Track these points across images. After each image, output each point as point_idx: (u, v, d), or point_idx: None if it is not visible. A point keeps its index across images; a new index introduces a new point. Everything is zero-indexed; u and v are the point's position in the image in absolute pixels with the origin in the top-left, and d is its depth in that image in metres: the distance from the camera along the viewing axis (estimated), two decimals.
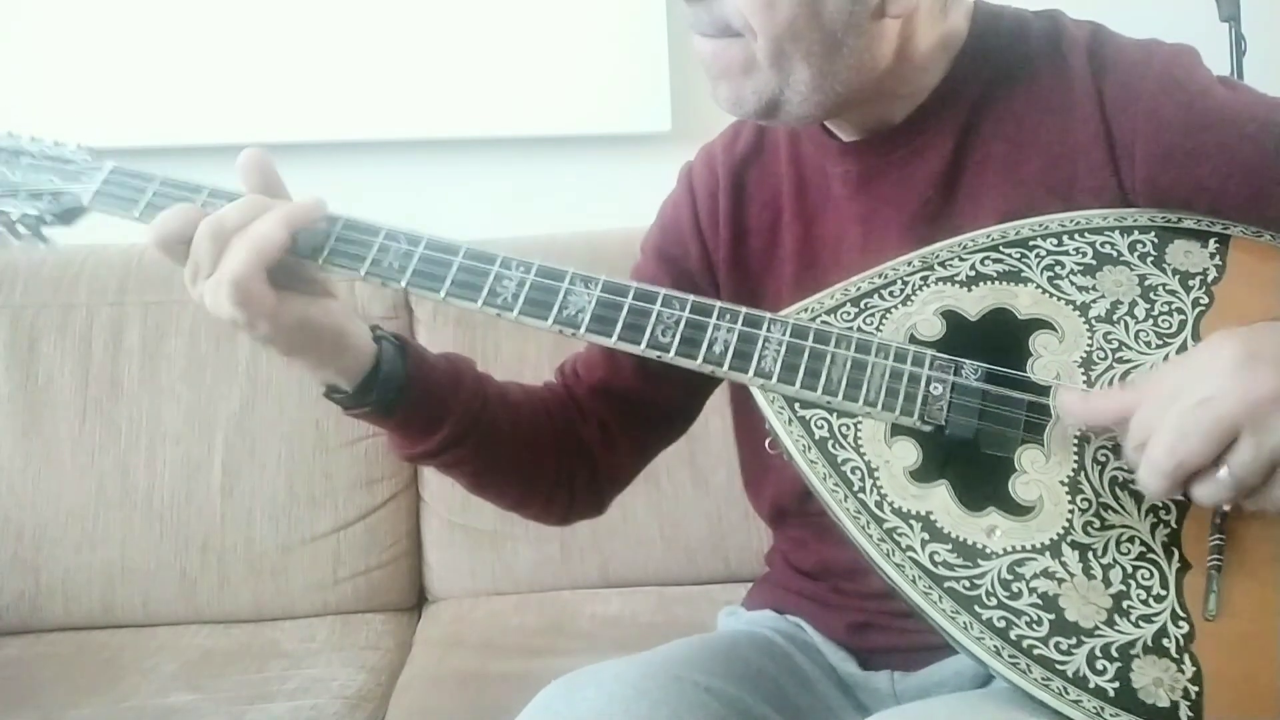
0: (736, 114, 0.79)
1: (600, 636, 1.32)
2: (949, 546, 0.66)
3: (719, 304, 0.74)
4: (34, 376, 1.43)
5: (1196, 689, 0.60)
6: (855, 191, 0.83)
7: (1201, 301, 0.71)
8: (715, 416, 1.49)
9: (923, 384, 0.70)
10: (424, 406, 0.80)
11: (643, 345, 0.73)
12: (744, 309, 0.74)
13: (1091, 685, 0.61)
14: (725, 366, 0.72)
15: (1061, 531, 0.65)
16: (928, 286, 0.74)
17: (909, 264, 0.75)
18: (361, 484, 1.46)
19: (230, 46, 1.66)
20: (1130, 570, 0.64)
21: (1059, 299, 0.72)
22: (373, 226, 0.75)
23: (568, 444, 0.90)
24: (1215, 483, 0.59)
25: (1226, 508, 0.64)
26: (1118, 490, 0.66)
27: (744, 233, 0.89)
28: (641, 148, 1.72)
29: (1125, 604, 0.63)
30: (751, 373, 0.72)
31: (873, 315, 0.74)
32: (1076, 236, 0.74)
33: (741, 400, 0.92)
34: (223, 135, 1.55)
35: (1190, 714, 0.60)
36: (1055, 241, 0.74)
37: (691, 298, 0.74)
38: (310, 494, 1.44)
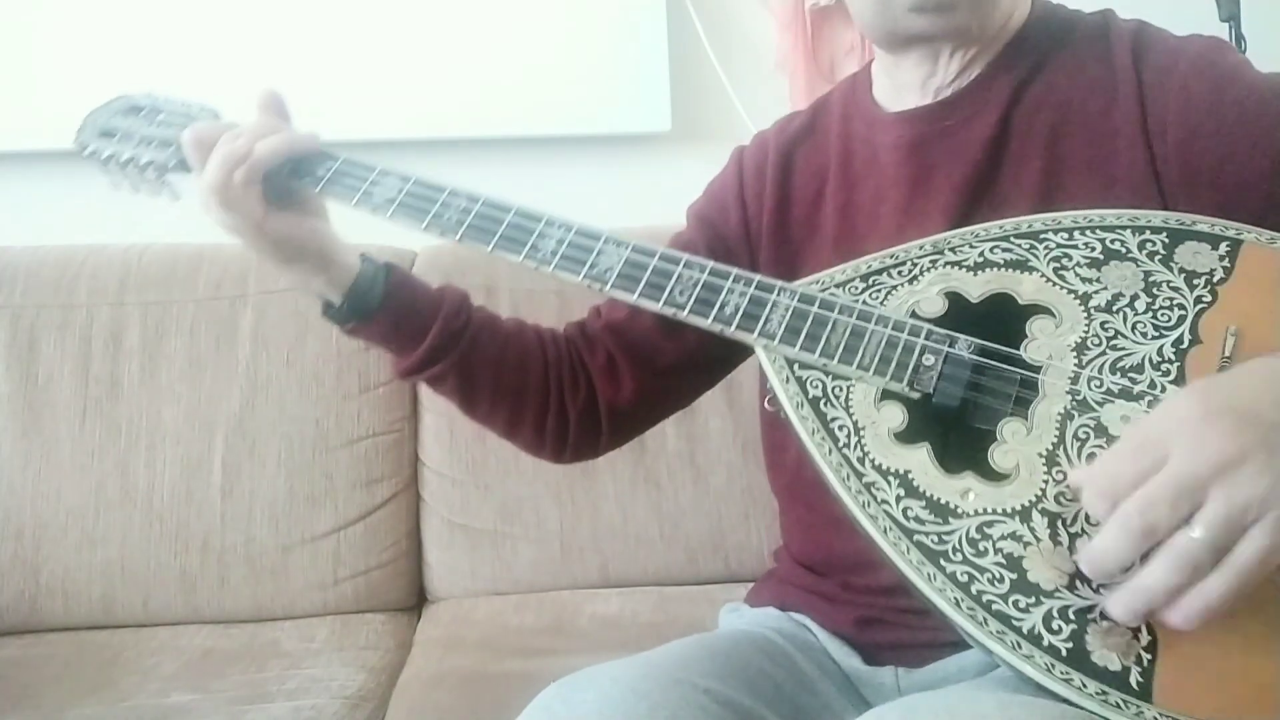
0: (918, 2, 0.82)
1: (600, 636, 1.31)
2: (923, 503, 0.68)
3: (735, 270, 0.79)
4: (34, 376, 1.43)
5: (1150, 657, 0.61)
6: (906, 157, 0.87)
7: (1204, 299, 0.71)
8: (715, 418, 1.51)
9: (916, 353, 0.73)
10: (406, 320, 0.90)
11: (660, 303, 0.79)
12: (758, 276, 0.79)
13: (1045, 643, 0.62)
14: (733, 326, 0.77)
15: (1034, 499, 0.67)
16: (935, 269, 0.77)
17: (920, 247, 0.79)
18: (361, 484, 1.46)
19: (231, 46, 1.66)
20: None
21: (1061, 288, 0.74)
22: (437, 185, 0.87)
23: (563, 372, 0.97)
24: (1191, 542, 0.57)
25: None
26: None
27: (788, 203, 0.94)
28: (641, 148, 1.72)
29: None
30: (757, 333, 0.77)
31: (879, 291, 0.78)
32: (1088, 232, 0.76)
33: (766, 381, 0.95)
34: None
35: (1140, 680, 0.61)
36: (1066, 235, 0.76)
37: (711, 263, 0.80)
38: (310, 494, 1.44)
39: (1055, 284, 0.74)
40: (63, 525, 1.40)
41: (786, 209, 0.94)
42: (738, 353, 0.98)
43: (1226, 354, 0.68)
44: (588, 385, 0.97)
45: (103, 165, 0.93)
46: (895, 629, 0.85)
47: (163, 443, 1.43)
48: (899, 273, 0.78)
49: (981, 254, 0.77)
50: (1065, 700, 0.61)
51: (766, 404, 0.78)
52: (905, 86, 0.89)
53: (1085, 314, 0.72)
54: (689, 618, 1.32)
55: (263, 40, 1.67)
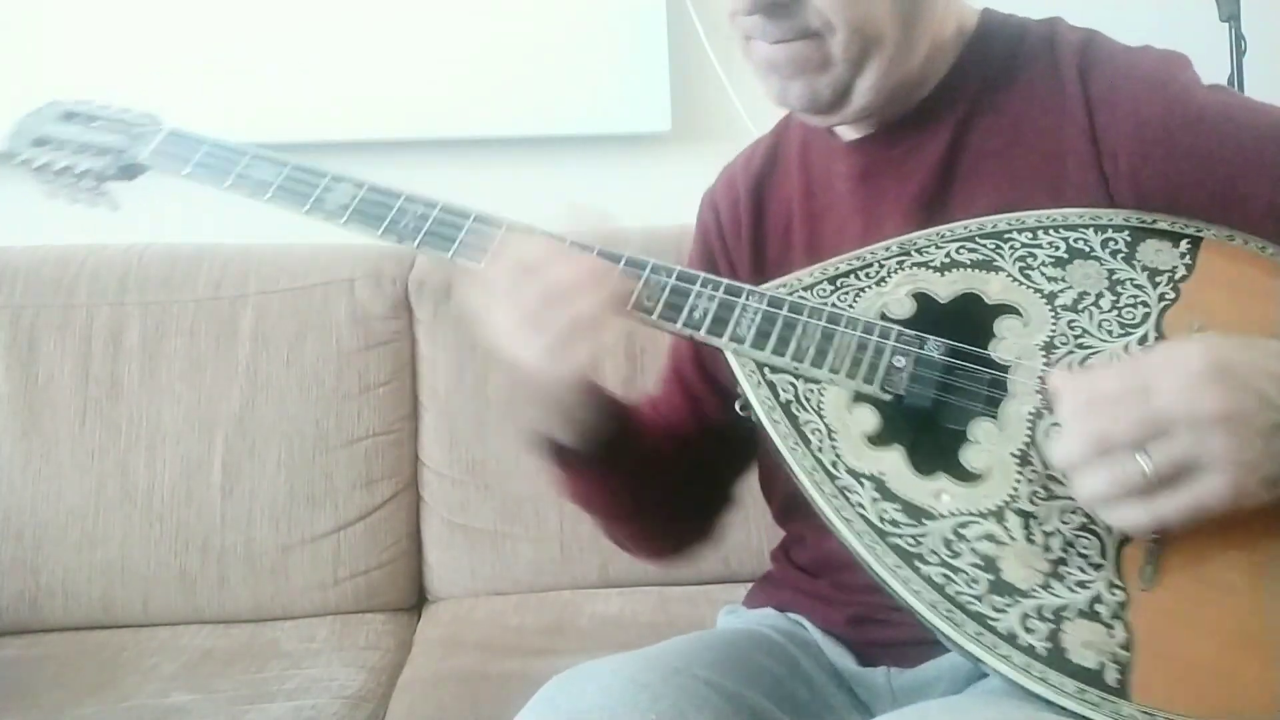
0: (808, 110, 0.82)
1: (600, 636, 1.32)
2: (898, 506, 0.69)
3: (703, 275, 0.78)
4: (34, 376, 1.43)
5: (1127, 654, 0.62)
6: (858, 185, 0.86)
7: (1167, 296, 0.73)
8: None
9: (887, 355, 0.73)
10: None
11: (628, 307, 0.77)
12: (725, 280, 0.78)
13: (1022, 643, 0.63)
14: (703, 330, 0.76)
15: (1007, 499, 0.68)
16: (903, 270, 0.77)
17: (887, 249, 0.79)
18: (361, 484, 1.46)
19: (232, 46, 1.66)
20: (1071, 539, 0.66)
21: (1028, 287, 0.75)
22: (392, 190, 0.83)
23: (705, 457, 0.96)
24: (1135, 467, 0.60)
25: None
26: None
27: (763, 241, 0.93)
28: (641, 148, 1.72)
29: (1062, 570, 0.65)
30: (727, 337, 0.76)
31: (847, 293, 0.77)
32: (1051, 231, 0.77)
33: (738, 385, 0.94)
34: (225, 134, 1.56)
35: (1117, 677, 0.61)
36: (1030, 235, 0.77)
37: (678, 268, 0.78)
38: (310, 494, 1.44)
39: (1021, 283, 0.75)
40: (63, 525, 1.40)
41: (762, 248, 0.93)
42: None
43: None
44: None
45: (36, 174, 0.90)
46: (887, 626, 0.85)
47: (163, 443, 1.43)
48: (866, 274, 0.78)
49: (948, 254, 0.77)
50: (1045, 700, 0.61)
51: (738, 408, 0.76)
52: None
53: (1052, 313, 0.73)
54: (689, 618, 1.32)
55: (262, 41, 1.67)
